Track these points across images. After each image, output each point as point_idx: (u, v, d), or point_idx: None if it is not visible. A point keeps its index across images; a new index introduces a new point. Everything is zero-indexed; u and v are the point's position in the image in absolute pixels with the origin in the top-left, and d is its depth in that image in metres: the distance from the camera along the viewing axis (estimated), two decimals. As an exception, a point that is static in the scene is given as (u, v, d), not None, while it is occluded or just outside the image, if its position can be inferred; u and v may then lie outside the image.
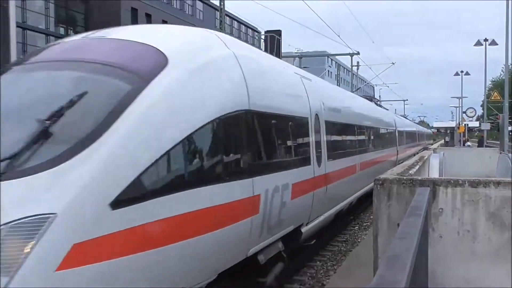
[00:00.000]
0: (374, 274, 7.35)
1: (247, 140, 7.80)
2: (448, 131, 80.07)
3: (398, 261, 3.03)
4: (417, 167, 11.02)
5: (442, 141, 74.56)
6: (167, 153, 6.00)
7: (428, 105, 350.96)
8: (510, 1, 36.10)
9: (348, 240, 16.89)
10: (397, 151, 31.44)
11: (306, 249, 13.79)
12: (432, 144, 68.56)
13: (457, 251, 6.71)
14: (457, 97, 77.91)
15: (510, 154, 20.08)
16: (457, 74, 68.83)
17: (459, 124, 67.44)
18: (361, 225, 19.65)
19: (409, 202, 6.56)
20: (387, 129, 27.93)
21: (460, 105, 76.61)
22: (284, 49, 42.92)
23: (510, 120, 45.02)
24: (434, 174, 16.78)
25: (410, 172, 9.36)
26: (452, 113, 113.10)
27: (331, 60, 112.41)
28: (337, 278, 11.85)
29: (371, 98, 34.48)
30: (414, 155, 29.73)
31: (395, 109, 74.09)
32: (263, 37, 41.74)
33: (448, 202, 6.83)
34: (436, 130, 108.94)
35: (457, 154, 24.79)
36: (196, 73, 6.86)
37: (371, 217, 20.24)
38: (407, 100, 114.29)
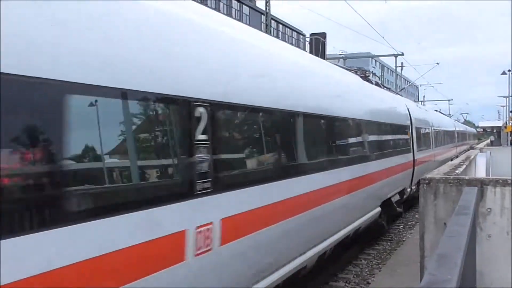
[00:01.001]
0: (420, 272, 7.36)
1: None
2: (494, 131, 78.68)
3: (448, 260, 3.04)
4: (464, 166, 10.92)
5: (488, 141, 73.28)
6: None
7: (474, 105, 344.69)
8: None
9: (393, 239, 16.80)
10: (414, 160, 20.52)
11: (351, 248, 13.81)
12: (477, 144, 67.36)
13: (507, 251, 6.65)
14: (504, 96, 76.51)
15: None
16: (504, 73, 67.57)
17: (506, 124, 66.19)
18: (406, 224, 19.50)
19: (456, 201, 6.54)
20: (388, 125, 16.95)
21: (507, 104, 75.16)
22: (329, 51, 42.84)
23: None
24: (481, 173, 16.57)
25: (457, 171, 9.29)
26: (498, 112, 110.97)
27: (375, 61, 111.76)
28: (382, 277, 11.82)
29: (364, 75, 19.32)
30: (452, 159, 21.56)
31: (440, 108, 72.94)
32: (308, 39, 41.56)
33: (496, 202, 6.77)
34: (482, 130, 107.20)
35: (504, 153, 24.37)
36: None
37: (416, 216, 20.09)
38: (452, 99, 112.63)
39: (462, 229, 3.96)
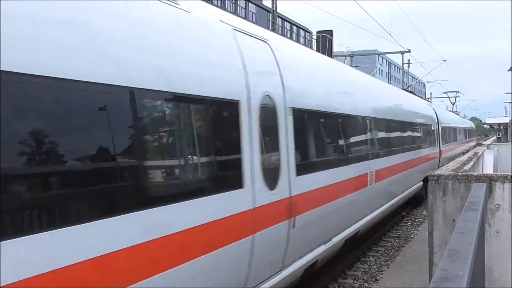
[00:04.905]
0: (429, 268, 7.40)
1: None
2: (502, 127, 78.28)
3: (459, 256, 3.06)
4: (472, 163, 10.93)
5: (495, 137, 72.82)
6: None
7: (481, 101, 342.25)
8: None
9: (401, 236, 16.81)
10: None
11: (360, 244, 13.82)
12: (485, 141, 66.89)
13: (515, 247, 6.67)
14: (511, 93, 76.09)
15: None
16: (511, 69, 67.15)
17: (513, 120, 65.90)
18: (414, 221, 19.49)
19: (464, 197, 6.58)
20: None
21: (513, 101, 74.78)
22: (335, 48, 42.79)
23: None
24: (488, 169, 16.57)
25: (465, 168, 9.31)
26: (505, 108, 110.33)
27: (382, 58, 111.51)
28: (391, 273, 11.85)
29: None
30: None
31: (446, 106, 72.58)
32: (314, 37, 41.55)
33: (505, 198, 6.79)
34: (489, 126, 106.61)
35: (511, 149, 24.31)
36: None
37: (424, 213, 20.10)
38: (458, 96, 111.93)
39: (472, 225, 3.98)
